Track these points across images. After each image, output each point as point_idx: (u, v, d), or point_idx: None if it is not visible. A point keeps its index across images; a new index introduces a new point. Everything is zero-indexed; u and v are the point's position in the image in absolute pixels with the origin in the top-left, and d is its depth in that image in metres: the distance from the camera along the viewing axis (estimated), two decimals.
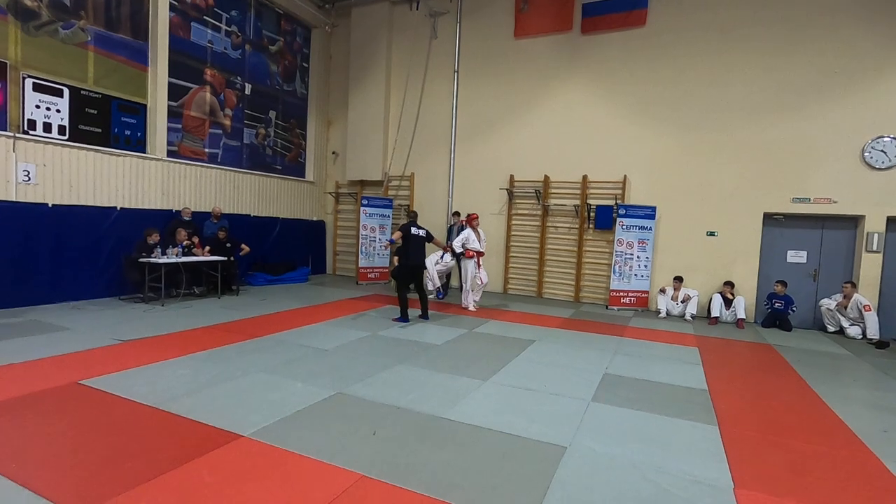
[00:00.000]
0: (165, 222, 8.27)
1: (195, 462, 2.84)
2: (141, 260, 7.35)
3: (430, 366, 5.01)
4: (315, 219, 12.37)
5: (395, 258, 7.27)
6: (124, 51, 7.99)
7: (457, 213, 10.45)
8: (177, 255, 7.59)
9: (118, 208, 7.83)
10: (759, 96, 8.56)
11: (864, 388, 5.20)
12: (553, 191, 10.15)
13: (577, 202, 9.86)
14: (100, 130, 7.72)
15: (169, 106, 8.68)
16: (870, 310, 7.61)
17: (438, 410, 3.79)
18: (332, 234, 12.58)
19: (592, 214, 9.72)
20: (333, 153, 12.61)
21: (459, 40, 10.88)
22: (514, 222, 10.54)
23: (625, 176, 9.51)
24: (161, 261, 7.31)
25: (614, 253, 9.14)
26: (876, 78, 7.90)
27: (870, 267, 8.04)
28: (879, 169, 7.90)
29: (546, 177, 10.13)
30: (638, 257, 9.18)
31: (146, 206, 8.28)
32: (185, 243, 7.91)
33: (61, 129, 7.23)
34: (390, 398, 4.02)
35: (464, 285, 8.55)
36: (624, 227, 9.08)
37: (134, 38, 8.13)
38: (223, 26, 9.68)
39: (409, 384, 4.40)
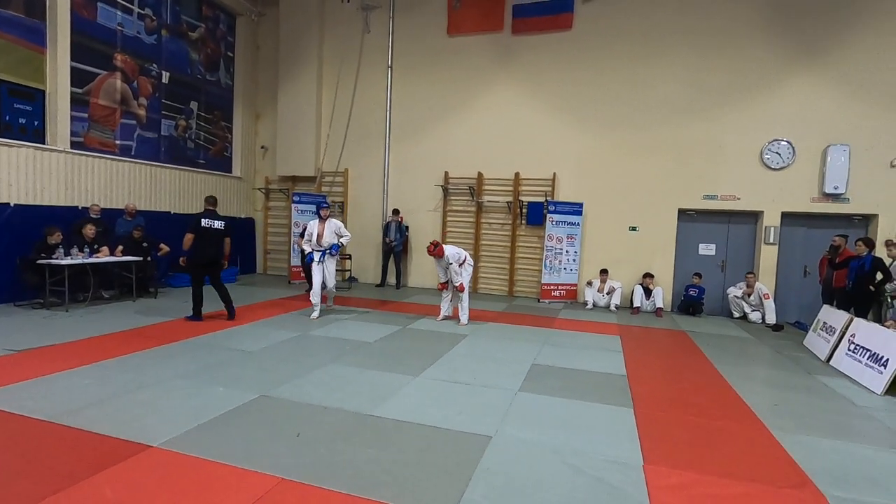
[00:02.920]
0: (70, 220, 7.55)
1: (95, 477, 2.62)
2: (40, 262, 6.67)
3: (361, 364, 4.95)
4: (243, 216, 11.80)
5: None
6: (15, 29, 7.18)
7: (396, 211, 10.39)
8: (83, 256, 6.96)
9: (11, 205, 7.05)
10: (675, 99, 9.18)
11: (761, 367, 5.74)
12: (487, 188, 10.34)
13: (510, 199, 10.10)
14: None
15: (73, 93, 7.91)
16: (769, 297, 8.42)
17: (366, 408, 3.75)
18: (262, 231, 12.07)
19: (524, 211, 10.00)
20: (262, 147, 12.09)
21: (393, 36, 10.78)
22: (449, 219, 10.63)
23: (554, 173, 9.86)
24: (64, 262, 6.66)
25: (545, 248, 9.46)
26: (773, 85, 8.71)
27: (768, 258, 8.89)
28: (775, 169, 8.74)
29: (480, 174, 10.29)
30: (567, 252, 9.56)
31: (46, 203, 7.51)
32: (93, 242, 7.27)
33: None
34: (317, 398, 3.92)
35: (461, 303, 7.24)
36: (554, 222, 9.42)
37: (28, 16, 7.33)
38: (135, 8, 8.96)
39: (337, 383, 4.32)
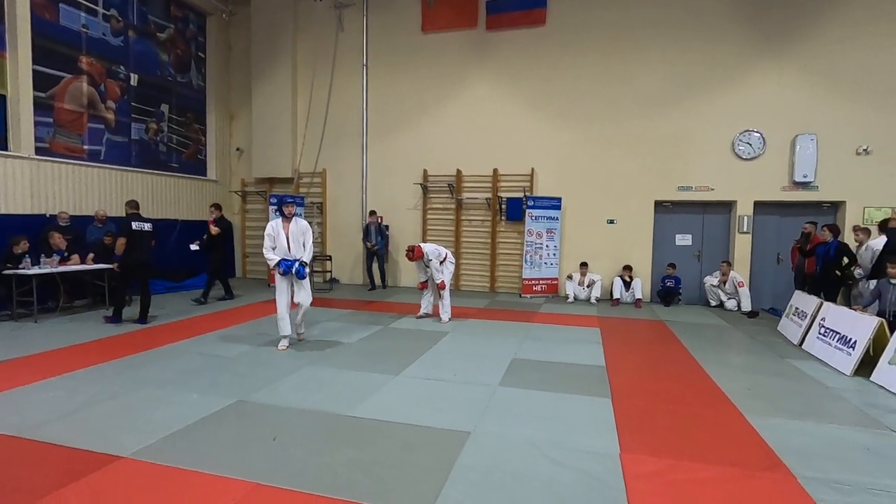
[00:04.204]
0: (37, 229, 7.32)
1: (62, 491, 2.55)
2: (6, 272, 6.45)
3: (340, 365, 4.90)
4: None
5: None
6: None
7: (373, 213, 10.31)
8: (52, 266, 6.76)
9: None
10: (649, 92, 9.29)
11: (736, 354, 5.85)
12: (466, 185, 10.35)
13: (489, 195, 10.12)
14: None
15: (36, 97, 7.67)
16: (743, 285, 8.60)
17: (344, 409, 3.71)
18: (240, 235, 11.89)
19: (503, 207, 10.03)
20: (238, 149, 11.90)
21: (367, 34, 10.70)
22: (429, 216, 10.61)
23: (532, 169, 9.91)
24: (31, 272, 6.46)
25: (525, 243, 9.51)
26: (743, 77, 8.87)
27: (742, 246, 9.07)
28: (747, 159, 8.92)
29: (459, 171, 10.29)
30: (547, 246, 9.63)
31: (10, 212, 7.27)
32: (63, 250, 7.07)
33: None
34: (295, 401, 3.87)
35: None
36: (533, 217, 9.47)
37: None
38: (100, 9, 8.72)
39: (316, 385, 4.27)
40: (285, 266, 5.30)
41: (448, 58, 10.28)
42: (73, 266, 7.13)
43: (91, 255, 7.52)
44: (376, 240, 10.04)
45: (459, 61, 10.24)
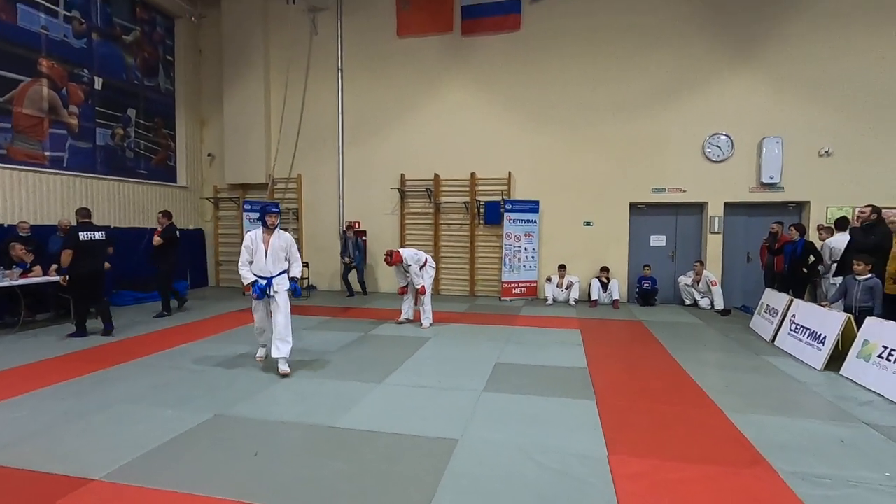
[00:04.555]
0: None
1: None
2: None
3: (322, 374, 4.81)
4: (192, 227, 11.28)
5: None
6: None
7: (350, 225, 10.18)
8: (12, 278, 6.43)
9: None
10: (620, 98, 9.47)
11: (711, 351, 5.99)
12: (444, 189, 10.33)
13: (467, 199, 10.14)
14: None
15: None
16: (716, 284, 8.82)
17: (328, 420, 3.63)
18: (212, 242, 11.59)
19: (482, 210, 10.06)
20: (209, 155, 11.60)
21: (341, 38, 10.60)
22: (407, 221, 10.55)
23: (509, 172, 9.97)
24: None
25: (503, 246, 9.55)
26: (712, 81, 9.14)
27: (714, 246, 9.32)
28: (716, 161, 9.18)
29: (436, 175, 10.27)
30: (525, 249, 9.69)
31: None
32: (26, 263, 6.74)
33: None
34: (276, 414, 3.76)
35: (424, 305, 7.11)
36: (511, 221, 9.53)
37: None
38: (61, 10, 8.38)
39: (298, 396, 4.17)
40: (258, 290, 4.72)
41: (424, 62, 10.27)
42: (35, 279, 6.80)
43: (54, 267, 7.15)
44: (354, 255, 9.93)
45: (435, 66, 10.24)
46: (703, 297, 8.95)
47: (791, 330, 5.85)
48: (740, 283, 9.36)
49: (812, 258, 7.08)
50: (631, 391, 4.39)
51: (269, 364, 5.09)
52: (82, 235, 6.24)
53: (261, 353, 5.14)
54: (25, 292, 6.71)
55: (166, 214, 7.93)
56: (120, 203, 9.45)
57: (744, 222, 9.37)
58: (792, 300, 6.19)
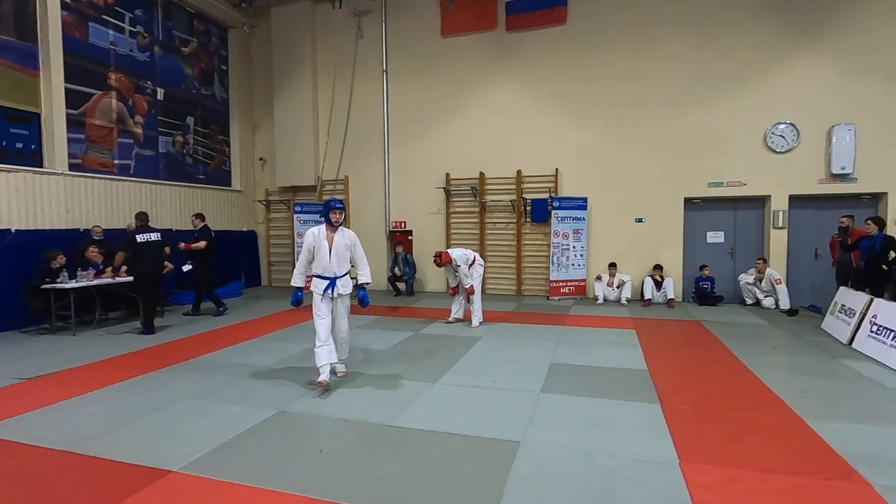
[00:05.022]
0: (71, 244, 7.46)
1: None
2: (44, 286, 6.58)
3: (376, 373, 4.85)
4: (245, 229, 11.73)
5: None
6: (9, 54, 7.11)
7: (400, 244, 10.32)
8: (88, 279, 6.87)
9: (13, 230, 6.97)
10: (674, 89, 9.09)
11: (781, 354, 5.63)
12: (489, 187, 10.25)
13: (513, 197, 10.01)
14: None
15: (68, 115, 7.84)
16: (780, 282, 8.31)
17: (387, 419, 3.65)
18: (264, 244, 11.99)
19: (528, 208, 9.91)
20: (261, 159, 12.01)
21: (386, 40, 10.72)
22: (452, 220, 10.54)
23: (556, 169, 9.77)
24: (68, 286, 6.58)
25: (551, 244, 9.37)
26: (773, 68, 8.61)
27: (777, 242, 8.78)
28: (780, 152, 8.64)
29: (482, 174, 10.20)
30: (574, 247, 9.47)
31: (46, 227, 7.43)
32: (99, 263, 7.19)
33: None
34: (336, 411, 3.82)
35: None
36: (559, 218, 9.33)
37: (20, 40, 7.27)
38: (127, 27, 8.90)
39: (354, 394, 4.22)
40: (329, 285, 4.33)
41: (468, 61, 10.23)
42: (108, 279, 7.24)
43: (124, 268, 7.61)
44: (404, 270, 10.12)
45: (479, 64, 10.17)
46: (766, 297, 8.45)
47: (872, 331, 5.41)
48: (808, 281, 8.78)
49: (893, 253, 6.52)
50: (697, 395, 4.18)
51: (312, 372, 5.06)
52: (139, 237, 6.63)
53: (325, 374, 4.29)
54: (99, 292, 7.16)
55: (199, 216, 8.15)
56: (181, 207, 9.93)
57: (811, 216, 8.78)
58: (872, 299, 5.73)
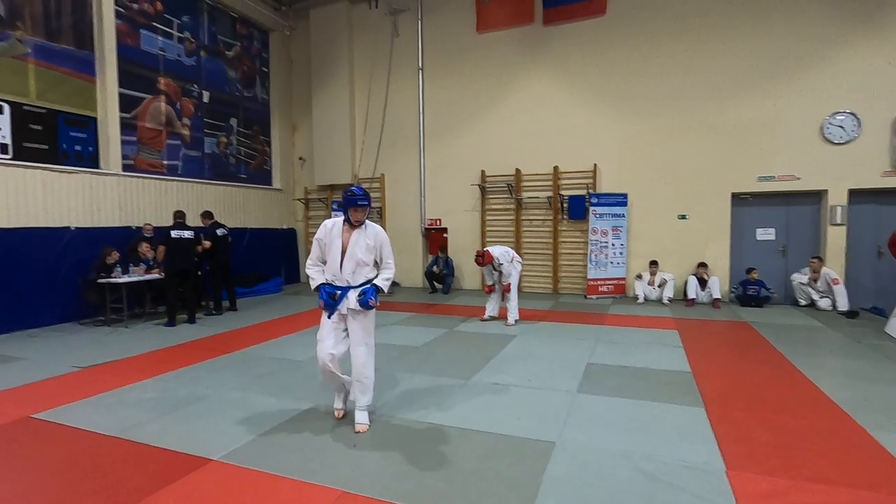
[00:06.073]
0: (124, 241, 7.86)
1: (160, 493, 2.63)
2: (100, 280, 6.97)
3: (410, 369, 4.86)
4: (285, 227, 12.04)
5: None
6: (68, 62, 7.56)
7: (443, 248, 10.37)
8: (140, 274, 7.23)
9: (73, 228, 7.41)
10: (719, 79, 8.68)
11: (840, 358, 5.28)
12: (525, 184, 10.11)
13: (550, 194, 9.83)
14: (46, 147, 7.28)
15: (122, 118, 8.26)
16: (838, 283, 7.80)
17: (421, 415, 3.64)
18: (303, 241, 12.28)
19: (565, 205, 9.71)
20: (300, 159, 12.30)
21: (422, 37, 10.74)
22: (488, 217, 10.46)
23: (595, 165, 9.53)
24: (122, 280, 6.94)
25: (589, 242, 9.15)
26: (830, 54, 8.08)
27: (835, 240, 8.24)
28: (838, 144, 8.10)
29: (517, 170, 10.08)
30: (612, 245, 9.21)
31: (102, 225, 7.85)
32: (150, 259, 7.56)
33: (3, 148, 6.79)
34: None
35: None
36: (597, 215, 9.10)
37: (78, 49, 7.71)
38: (175, 32, 9.29)
39: (389, 390, 4.24)
40: (326, 295, 3.33)
41: (503, 56, 10.11)
42: (157, 275, 7.58)
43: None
44: (443, 270, 10.16)
45: (515, 59, 10.04)
46: (822, 297, 7.94)
47: None
48: (870, 281, 8.20)
49: None
50: (745, 399, 3.97)
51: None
52: (174, 233, 7.04)
53: (338, 403, 3.66)
54: (150, 286, 7.51)
55: (206, 214, 8.27)
56: (224, 205, 10.28)
57: (873, 212, 8.19)
58: None
